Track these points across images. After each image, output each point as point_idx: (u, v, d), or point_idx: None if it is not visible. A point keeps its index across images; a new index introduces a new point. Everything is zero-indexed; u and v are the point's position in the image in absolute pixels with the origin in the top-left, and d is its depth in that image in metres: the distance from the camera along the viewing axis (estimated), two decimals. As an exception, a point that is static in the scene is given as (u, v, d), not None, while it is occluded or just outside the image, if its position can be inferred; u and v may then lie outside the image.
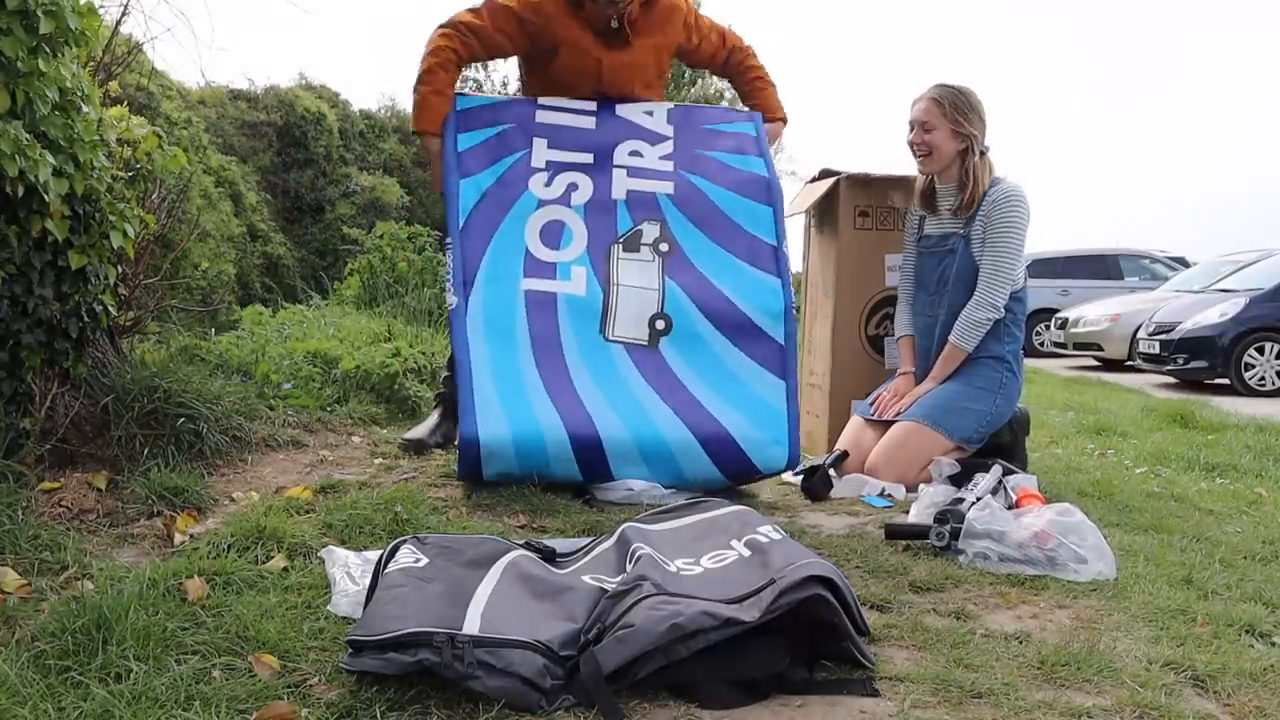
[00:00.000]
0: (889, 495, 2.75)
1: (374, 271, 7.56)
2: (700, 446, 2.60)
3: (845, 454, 2.94)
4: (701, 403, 2.66)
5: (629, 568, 1.61)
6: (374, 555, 1.77)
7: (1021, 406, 3.05)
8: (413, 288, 7.23)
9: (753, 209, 2.92)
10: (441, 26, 2.98)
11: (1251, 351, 8.52)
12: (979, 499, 2.22)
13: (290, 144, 13.34)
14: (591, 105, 3.04)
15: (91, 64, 2.91)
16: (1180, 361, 8.72)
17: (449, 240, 2.80)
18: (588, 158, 2.97)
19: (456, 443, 2.64)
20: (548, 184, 2.91)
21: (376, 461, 2.95)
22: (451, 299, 2.73)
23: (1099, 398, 6.56)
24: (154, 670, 1.40)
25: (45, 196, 2.19)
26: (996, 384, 2.91)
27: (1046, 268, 13.48)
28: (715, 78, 10.56)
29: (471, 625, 1.41)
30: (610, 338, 2.74)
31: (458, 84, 3.04)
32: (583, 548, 1.84)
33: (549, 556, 1.79)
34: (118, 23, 3.26)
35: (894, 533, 2.24)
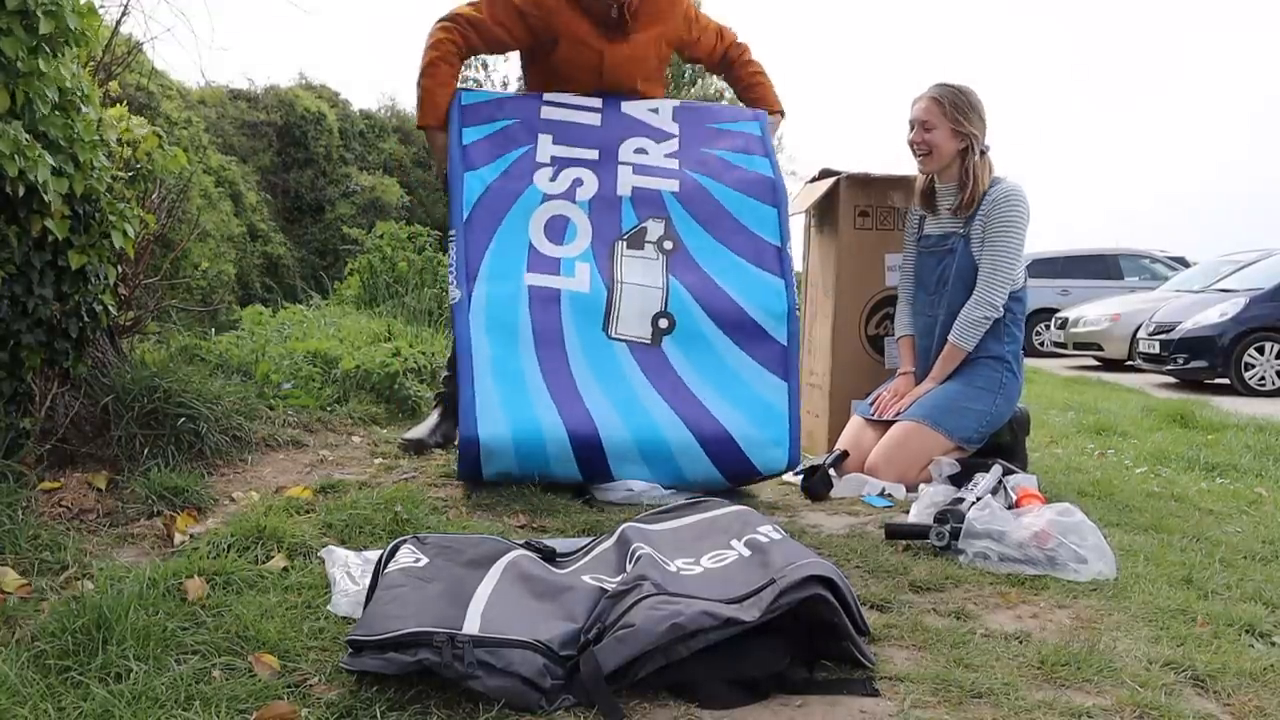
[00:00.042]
0: (889, 495, 2.74)
1: (374, 271, 7.55)
2: (700, 447, 2.60)
3: (845, 454, 2.94)
4: (703, 403, 2.65)
5: (629, 567, 1.61)
6: (374, 555, 1.77)
7: (1021, 406, 3.05)
8: (413, 288, 7.23)
9: (757, 209, 2.91)
10: (441, 20, 2.97)
11: (1251, 351, 8.52)
12: (979, 499, 2.22)
13: (290, 144, 13.35)
14: (597, 102, 3.04)
15: (91, 64, 2.91)
16: (1180, 361, 8.73)
17: (452, 233, 2.78)
18: (593, 154, 2.96)
19: (456, 442, 2.64)
20: (553, 179, 2.90)
21: (376, 461, 2.95)
22: (455, 292, 2.71)
23: (1099, 397, 6.56)
24: (154, 670, 1.40)
25: (45, 196, 2.19)
26: (996, 384, 2.91)
27: (1046, 268, 13.50)
28: (715, 78, 10.56)
29: (471, 625, 1.41)
30: (613, 336, 2.73)
31: (458, 83, 3.04)
32: (583, 548, 1.84)
33: (549, 556, 1.78)
34: (118, 23, 3.26)
35: (894, 532, 2.24)
